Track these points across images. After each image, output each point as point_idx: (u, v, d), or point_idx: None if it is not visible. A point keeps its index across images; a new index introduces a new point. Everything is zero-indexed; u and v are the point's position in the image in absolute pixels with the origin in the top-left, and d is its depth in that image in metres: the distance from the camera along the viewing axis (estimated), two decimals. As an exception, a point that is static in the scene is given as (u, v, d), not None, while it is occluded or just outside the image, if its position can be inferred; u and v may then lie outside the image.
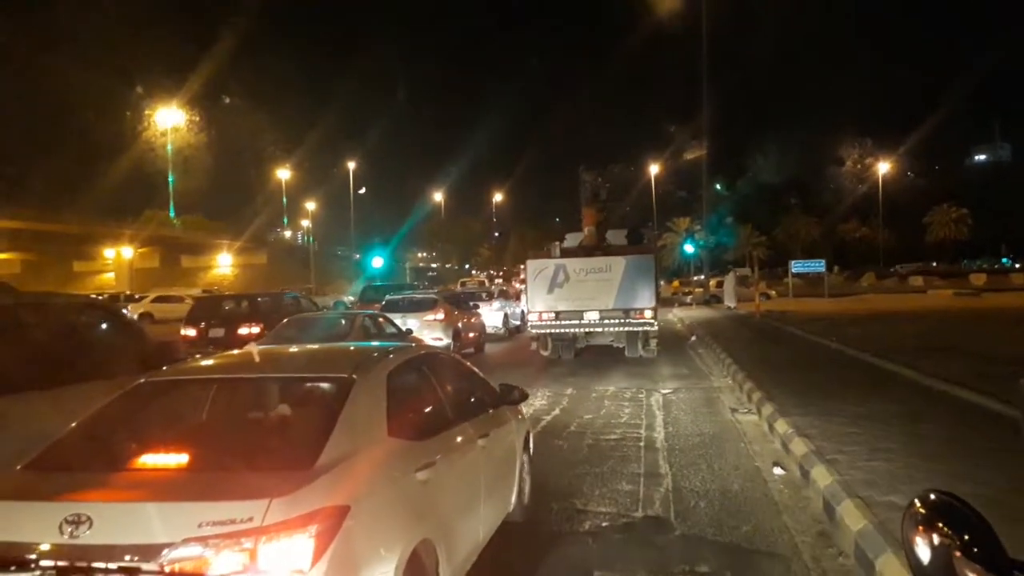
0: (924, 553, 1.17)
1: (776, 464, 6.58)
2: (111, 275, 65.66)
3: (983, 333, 17.31)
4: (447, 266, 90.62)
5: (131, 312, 34.66)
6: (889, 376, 10.73)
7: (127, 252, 62.71)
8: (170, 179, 65.71)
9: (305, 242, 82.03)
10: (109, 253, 63.23)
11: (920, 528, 1.19)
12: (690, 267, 49.21)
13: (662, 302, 33.27)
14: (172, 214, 66.86)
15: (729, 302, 32.72)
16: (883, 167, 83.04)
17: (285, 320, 13.36)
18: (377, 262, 30.57)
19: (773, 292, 42.15)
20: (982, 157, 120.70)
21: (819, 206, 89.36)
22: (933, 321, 21.73)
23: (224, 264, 74.30)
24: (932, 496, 1.23)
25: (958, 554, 1.12)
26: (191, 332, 16.79)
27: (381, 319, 13.89)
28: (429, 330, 16.09)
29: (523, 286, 19.75)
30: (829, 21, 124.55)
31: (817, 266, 44.02)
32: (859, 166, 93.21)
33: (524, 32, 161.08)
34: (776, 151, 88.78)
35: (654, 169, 62.97)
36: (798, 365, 12.48)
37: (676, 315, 30.55)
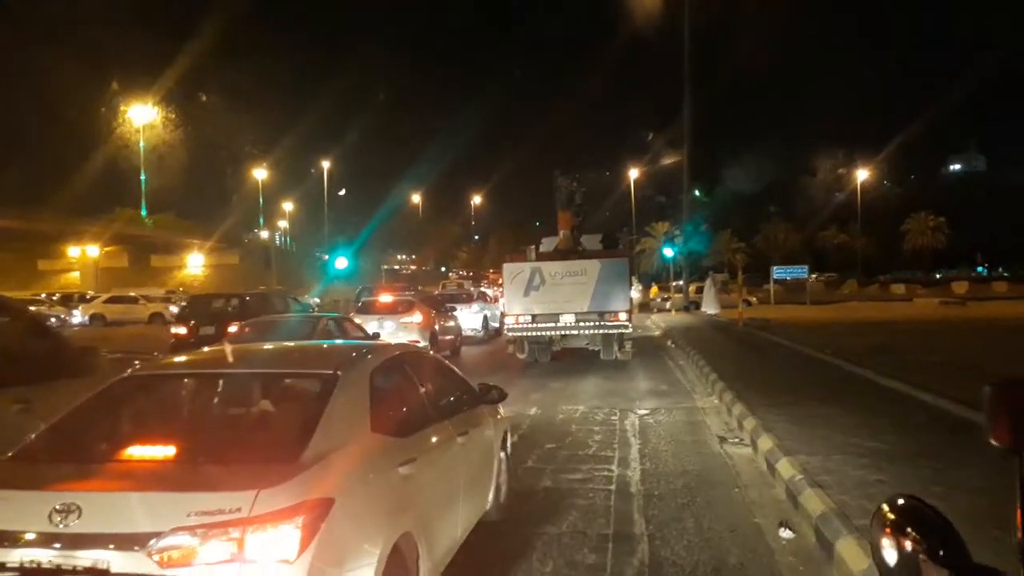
0: (891, 557, 1.18)
1: (783, 524, 5.25)
2: (77, 274, 63.55)
3: (992, 347, 16.04)
4: (424, 268, 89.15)
5: (82, 313, 33.02)
6: (905, 400, 9.29)
7: (93, 251, 60.59)
8: (142, 177, 63.93)
9: (283, 243, 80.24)
10: (74, 252, 61.08)
11: (888, 532, 1.19)
12: (669, 272, 48.20)
13: (640, 308, 32.48)
14: (144, 212, 64.93)
15: (709, 308, 31.57)
16: (861, 175, 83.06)
17: (244, 323, 12.56)
18: (341, 263, 29.06)
19: (754, 299, 41.04)
20: (957, 167, 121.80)
21: (798, 213, 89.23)
22: (929, 332, 20.72)
23: (195, 264, 72.25)
24: (900, 500, 1.24)
25: (924, 558, 1.14)
26: (182, 330, 17.18)
27: (347, 322, 13.42)
28: (406, 332, 15.91)
29: (498, 289, 19.03)
30: (809, 30, 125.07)
31: (799, 272, 43.16)
32: (832, 176, 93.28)
33: (505, 37, 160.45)
34: (756, 158, 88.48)
35: (633, 174, 61.95)
36: (794, 383, 11.04)
37: (654, 322, 29.41)
